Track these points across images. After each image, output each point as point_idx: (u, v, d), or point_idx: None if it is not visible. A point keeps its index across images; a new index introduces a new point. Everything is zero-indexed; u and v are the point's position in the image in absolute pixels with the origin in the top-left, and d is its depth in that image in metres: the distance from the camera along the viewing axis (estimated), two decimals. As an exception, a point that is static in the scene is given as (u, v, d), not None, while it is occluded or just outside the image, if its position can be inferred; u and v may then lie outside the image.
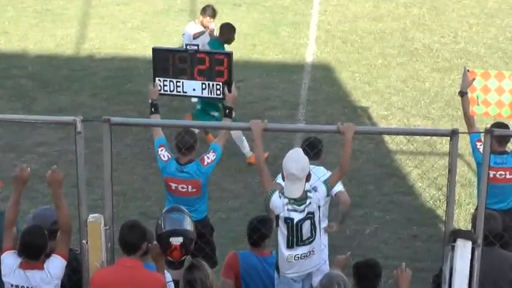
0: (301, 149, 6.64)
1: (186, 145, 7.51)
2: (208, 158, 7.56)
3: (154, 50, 7.87)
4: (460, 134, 5.82)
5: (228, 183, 10.44)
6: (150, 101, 7.65)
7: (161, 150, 7.60)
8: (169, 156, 7.61)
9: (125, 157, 10.80)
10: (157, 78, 7.74)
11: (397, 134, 11.51)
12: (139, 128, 11.04)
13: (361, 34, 15.72)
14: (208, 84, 7.65)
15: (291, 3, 17.13)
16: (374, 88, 13.48)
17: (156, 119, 7.61)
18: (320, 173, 7.23)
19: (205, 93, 7.70)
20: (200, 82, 7.64)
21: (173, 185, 7.62)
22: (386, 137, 11.60)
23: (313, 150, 7.59)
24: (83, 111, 11.79)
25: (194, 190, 7.61)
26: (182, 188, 7.58)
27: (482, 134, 5.80)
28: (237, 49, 14.77)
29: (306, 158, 6.42)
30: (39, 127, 11.58)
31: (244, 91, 13.26)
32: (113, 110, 12.11)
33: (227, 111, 7.57)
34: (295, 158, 6.37)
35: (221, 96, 7.71)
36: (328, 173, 7.34)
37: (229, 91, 7.57)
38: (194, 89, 7.69)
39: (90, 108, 12.44)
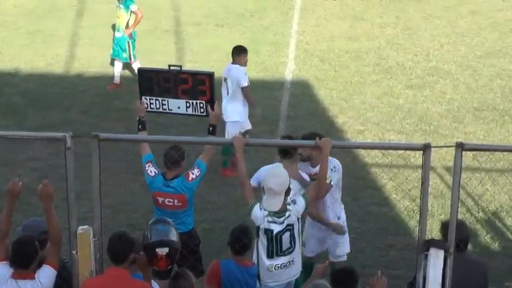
0: (281, 165, 6.78)
1: (171, 160, 7.62)
2: (193, 174, 7.64)
3: (140, 70, 7.86)
4: (432, 148, 5.89)
5: (212, 196, 10.49)
6: (137, 118, 7.68)
7: (148, 166, 7.70)
8: (156, 172, 7.70)
9: (113, 171, 10.66)
10: (143, 97, 7.73)
11: (373, 148, 11.51)
12: (127, 144, 10.76)
13: (338, 53, 15.81)
14: (192, 102, 7.68)
15: (271, 23, 17.22)
16: (350, 104, 13.60)
17: (143, 135, 7.67)
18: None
19: (190, 111, 7.73)
20: (184, 101, 7.66)
21: (160, 199, 7.73)
22: (362, 151, 11.74)
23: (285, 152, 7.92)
24: (73, 127, 11.69)
25: (180, 204, 7.72)
26: (169, 201, 7.69)
27: (453, 147, 5.85)
28: (220, 68, 14.61)
29: (285, 174, 6.59)
30: (31, 143, 11.58)
31: None
32: (101, 126, 12.08)
33: (211, 128, 7.58)
34: (275, 174, 6.58)
35: (204, 113, 7.71)
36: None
37: (212, 109, 7.58)
38: (179, 107, 7.71)
39: (80, 125, 12.49)
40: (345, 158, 11.40)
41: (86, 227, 6.01)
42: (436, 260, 5.86)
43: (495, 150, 10.63)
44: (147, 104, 7.72)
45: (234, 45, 11.76)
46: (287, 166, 7.43)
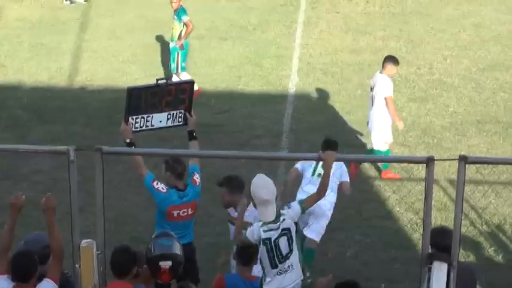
0: (264, 175, 6.86)
1: (176, 172, 7.72)
2: (197, 178, 7.77)
3: (130, 89, 7.40)
4: (435, 161, 5.89)
5: (214, 209, 10.24)
6: (127, 141, 7.31)
7: (156, 184, 7.60)
8: (166, 187, 7.66)
9: (116, 184, 10.83)
10: (130, 117, 7.33)
11: (376, 161, 11.74)
12: (129, 157, 10.89)
13: (341, 66, 15.83)
14: (173, 113, 7.48)
15: (274, 37, 17.25)
16: (354, 117, 13.59)
17: (138, 158, 7.47)
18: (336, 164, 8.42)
19: (169, 123, 7.50)
20: (166, 113, 7.43)
21: (176, 212, 7.71)
22: (366, 164, 11.77)
23: (330, 145, 9.12)
24: (76, 140, 11.91)
25: (192, 212, 7.79)
26: (183, 212, 7.72)
27: (456, 160, 5.85)
28: (223, 81, 14.87)
29: (271, 181, 6.75)
30: (34, 156, 11.59)
31: (230, 120, 13.43)
32: (104, 139, 11.91)
33: (194, 134, 7.62)
34: (264, 184, 6.71)
35: (182, 122, 7.57)
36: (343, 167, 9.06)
37: (190, 115, 7.53)
38: (160, 121, 7.45)
39: (83, 138, 12.55)
40: (348, 170, 11.56)
41: (89, 240, 6.02)
42: (439, 273, 5.85)
43: (498, 163, 10.73)
44: (132, 124, 7.41)
45: (387, 55, 12.16)
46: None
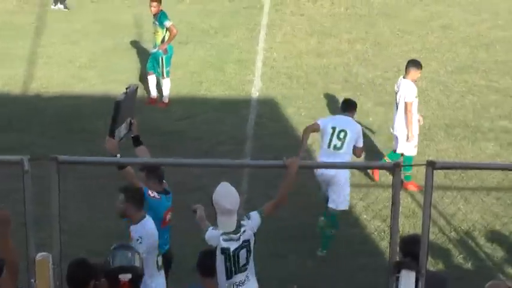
0: (228, 184, 6.76)
1: (159, 177, 7.73)
2: (165, 181, 7.90)
3: (118, 102, 7.20)
4: (402, 167, 5.99)
5: (176, 220, 10.35)
6: (118, 156, 7.18)
7: (152, 193, 7.62)
8: (158, 194, 7.69)
9: (72, 195, 10.62)
10: (116, 130, 7.26)
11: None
12: (86, 166, 10.84)
13: (305, 70, 15.77)
14: (126, 121, 7.49)
15: (236, 40, 17.17)
16: None
17: (128, 171, 7.35)
18: (355, 127, 9.90)
19: (123, 131, 7.44)
20: (125, 122, 7.44)
21: (168, 217, 7.77)
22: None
23: (350, 104, 10.26)
24: (31, 149, 11.72)
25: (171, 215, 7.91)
26: (171, 215, 7.79)
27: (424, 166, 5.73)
28: (184, 86, 14.90)
29: (235, 190, 6.65)
30: None
31: (192, 127, 13.36)
32: (60, 148, 11.81)
33: (139, 139, 7.62)
34: (228, 194, 6.58)
35: (128, 129, 7.56)
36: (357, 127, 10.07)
37: (133, 120, 7.58)
38: (121, 131, 7.38)
39: (38, 147, 12.35)
40: (314, 177, 11.33)
41: (44, 253, 5.85)
42: (407, 281, 5.77)
43: (466, 168, 10.73)
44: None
45: (410, 59, 12.20)
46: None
